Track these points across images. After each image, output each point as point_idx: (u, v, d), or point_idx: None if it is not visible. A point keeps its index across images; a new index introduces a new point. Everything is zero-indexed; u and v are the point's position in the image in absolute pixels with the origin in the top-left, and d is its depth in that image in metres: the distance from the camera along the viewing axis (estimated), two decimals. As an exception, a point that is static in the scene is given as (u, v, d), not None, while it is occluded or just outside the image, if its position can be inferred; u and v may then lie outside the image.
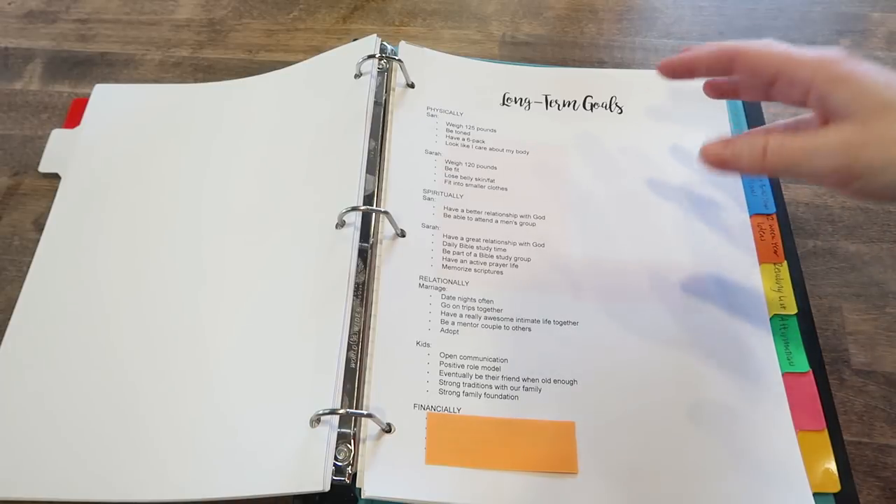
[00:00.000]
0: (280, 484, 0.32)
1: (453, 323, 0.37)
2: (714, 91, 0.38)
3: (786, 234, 0.41)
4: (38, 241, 0.42)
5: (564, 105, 0.47)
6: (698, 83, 0.38)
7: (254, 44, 0.52)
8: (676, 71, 0.36)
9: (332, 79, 0.46)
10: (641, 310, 0.38)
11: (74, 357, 0.38)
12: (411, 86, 0.45)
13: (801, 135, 0.30)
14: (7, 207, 0.45)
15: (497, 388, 0.36)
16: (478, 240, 0.40)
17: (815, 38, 0.52)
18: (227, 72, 0.50)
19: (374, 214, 0.40)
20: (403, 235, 0.39)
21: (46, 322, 0.39)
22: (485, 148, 0.44)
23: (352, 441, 0.33)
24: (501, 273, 0.39)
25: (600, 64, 0.51)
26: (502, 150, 0.44)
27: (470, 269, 0.39)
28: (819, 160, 0.29)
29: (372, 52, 0.45)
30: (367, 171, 0.41)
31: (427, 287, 0.38)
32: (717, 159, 0.33)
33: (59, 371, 0.37)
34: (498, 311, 0.38)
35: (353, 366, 0.36)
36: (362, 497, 0.32)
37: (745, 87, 0.36)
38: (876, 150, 0.28)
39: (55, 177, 0.45)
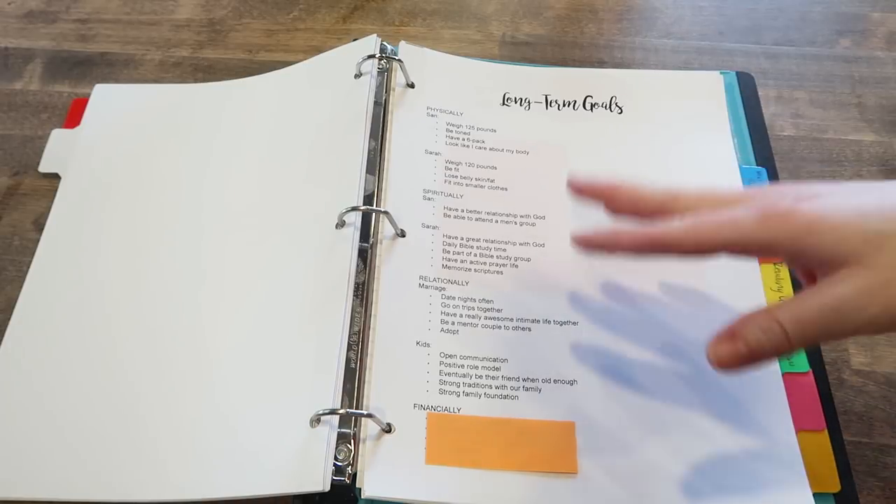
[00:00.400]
0: (280, 484, 0.32)
1: (453, 323, 0.37)
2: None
3: (786, 234, 0.41)
4: (38, 241, 0.42)
5: (564, 105, 0.47)
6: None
7: (254, 44, 0.52)
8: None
9: (332, 79, 0.46)
10: (641, 310, 0.38)
11: (74, 357, 0.38)
12: (411, 86, 0.45)
13: (807, 297, 0.26)
14: (7, 207, 0.45)
15: (497, 388, 0.36)
16: (478, 240, 0.40)
17: (815, 38, 0.52)
18: (227, 72, 0.50)
19: (374, 214, 0.40)
20: (403, 235, 0.39)
21: (46, 322, 0.39)
22: (485, 148, 0.44)
23: (352, 441, 0.33)
24: (501, 273, 0.39)
25: (600, 64, 0.51)
26: (502, 150, 0.44)
27: (470, 269, 0.39)
28: (854, 315, 0.25)
29: (372, 52, 0.45)
30: (367, 171, 0.41)
31: (427, 287, 0.38)
32: (736, 360, 0.27)
33: (59, 371, 0.37)
34: (498, 311, 0.38)
35: (353, 366, 0.36)
36: (362, 497, 0.32)
37: None
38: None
39: (55, 177, 0.45)
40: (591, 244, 0.31)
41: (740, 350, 0.27)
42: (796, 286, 0.39)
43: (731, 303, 0.38)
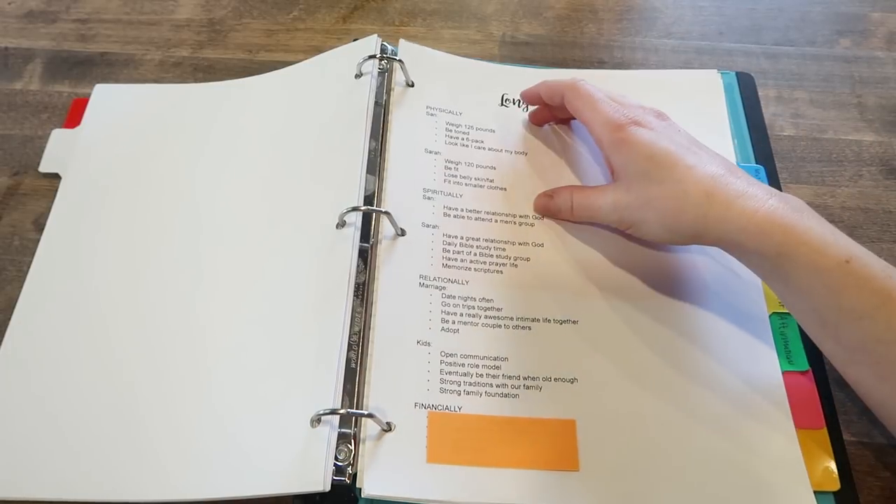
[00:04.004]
0: (280, 484, 0.32)
1: (454, 322, 0.37)
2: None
3: (786, 234, 0.41)
4: (38, 241, 0.42)
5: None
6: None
7: (254, 44, 0.52)
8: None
9: (333, 79, 0.46)
10: (641, 308, 0.38)
11: (74, 357, 0.38)
12: (411, 85, 0.45)
13: (594, 193, 0.39)
14: (7, 207, 0.45)
15: (498, 386, 0.36)
16: (478, 239, 0.40)
17: (815, 38, 0.52)
18: (227, 72, 0.50)
19: (374, 214, 0.40)
20: (403, 235, 0.39)
21: (46, 322, 0.39)
22: (484, 148, 0.44)
23: (352, 441, 0.33)
24: (501, 272, 0.39)
25: (600, 64, 0.51)
26: (501, 150, 0.44)
27: (470, 269, 0.39)
28: (603, 216, 0.38)
29: (372, 53, 0.45)
30: (368, 172, 0.41)
31: (427, 286, 0.38)
32: (544, 209, 0.42)
33: (59, 371, 0.37)
34: (498, 310, 0.38)
35: (353, 366, 0.36)
36: (362, 497, 0.32)
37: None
38: (634, 211, 0.36)
39: (55, 177, 0.45)
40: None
41: (549, 204, 0.41)
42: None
43: (730, 302, 0.39)
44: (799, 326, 0.38)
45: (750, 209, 0.32)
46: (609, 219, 0.38)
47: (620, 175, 0.37)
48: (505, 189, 0.43)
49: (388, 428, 0.34)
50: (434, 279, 0.39)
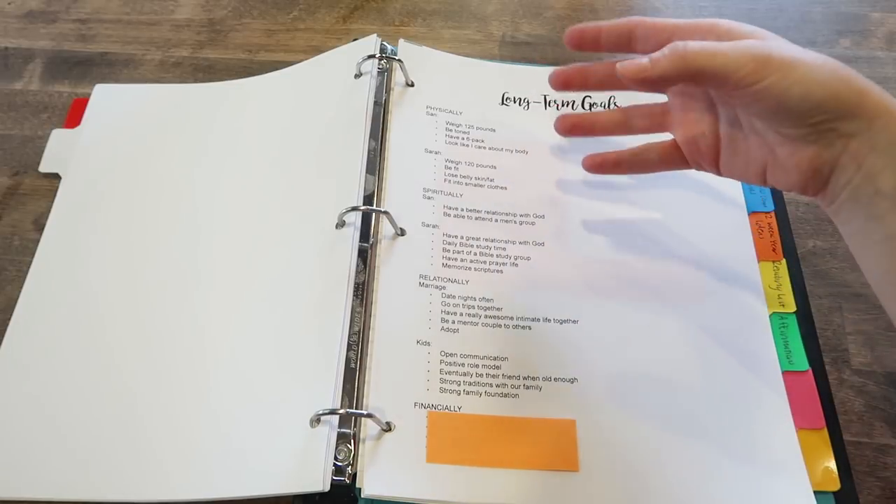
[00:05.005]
0: (280, 484, 0.32)
1: (453, 322, 0.37)
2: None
3: (785, 233, 0.41)
4: (38, 241, 0.42)
5: (563, 105, 0.47)
6: None
7: (254, 44, 0.52)
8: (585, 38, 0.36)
9: (333, 79, 0.46)
10: (641, 308, 0.38)
11: (74, 357, 0.38)
12: (411, 84, 0.45)
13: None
14: (7, 207, 0.45)
15: (497, 386, 0.36)
16: (478, 239, 0.40)
17: (815, 38, 0.52)
18: (227, 72, 0.50)
19: (373, 214, 0.40)
20: (403, 234, 0.39)
21: (46, 322, 0.39)
22: (484, 147, 0.44)
23: (352, 441, 0.33)
24: (501, 272, 0.39)
25: (600, 64, 0.51)
26: (501, 149, 0.44)
27: (470, 268, 0.39)
28: (732, 52, 0.30)
29: (372, 52, 0.45)
30: (367, 171, 0.41)
31: (427, 286, 0.38)
32: (636, 69, 0.31)
33: (58, 371, 0.37)
34: (498, 309, 0.38)
35: (353, 366, 0.36)
36: (362, 496, 0.32)
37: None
38: (787, 49, 0.30)
39: (55, 177, 0.45)
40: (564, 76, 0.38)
41: (643, 62, 0.31)
42: (795, 285, 0.39)
43: (730, 301, 0.39)
44: (798, 326, 0.38)
45: None
46: (746, 52, 0.30)
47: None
48: (505, 188, 0.43)
49: (387, 428, 0.34)
50: (434, 279, 0.39)
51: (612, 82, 0.37)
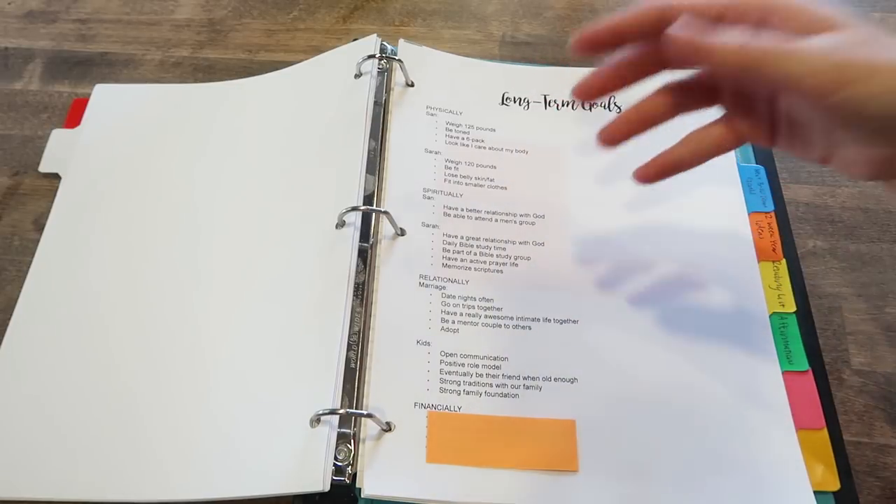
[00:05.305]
0: (280, 484, 0.32)
1: (453, 322, 0.37)
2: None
3: (785, 233, 0.41)
4: (38, 241, 0.42)
5: (563, 105, 0.47)
6: None
7: (254, 44, 0.52)
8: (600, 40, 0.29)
9: (333, 79, 0.46)
10: (641, 307, 0.38)
11: (74, 357, 0.38)
12: (411, 85, 0.45)
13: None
14: (7, 207, 0.45)
15: (497, 386, 0.36)
16: (478, 239, 0.40)
17: (814, 38, 0.52)
18: (227, 72, 0.50)
19: (373, 214, 0.40)
20: (403, 234, 0.39)
21: (46, 322, 0.39)
22: (484, 147, 0.44)
23: (352, 441, 0.33)
24: (501, 272, 0.39)
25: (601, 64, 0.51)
26: (501, 149, 0.44)
27: (470, 268, 0.39)
28: (806, 55, 0.24)
29: (372, 52, 0.45)
30: (367, 171, 0.41)
31: (427, 286, 0.38)
32: (689, 41, 0.26)
33: (58, 371, 0.37)
34: (498, 309, 0.38)
35: (353, 366, 0.36)
36: (362, 496, 0.32)
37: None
38: (875, 47, 0.24)
39: (55, 177, 0.45)
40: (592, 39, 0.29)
41: (698, 35, 0.26)
42: (795, 285, 0.39)
43: (730, 302, 0.39)
44: (798, 326, 0.38)
45: None
46: (816, 62, 0.24)
47: (828, 24, 0.25)
48: (505, 188, 0.43)
49: (387, 428, 0.34)
50: (434, 279, 0.39)
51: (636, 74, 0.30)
